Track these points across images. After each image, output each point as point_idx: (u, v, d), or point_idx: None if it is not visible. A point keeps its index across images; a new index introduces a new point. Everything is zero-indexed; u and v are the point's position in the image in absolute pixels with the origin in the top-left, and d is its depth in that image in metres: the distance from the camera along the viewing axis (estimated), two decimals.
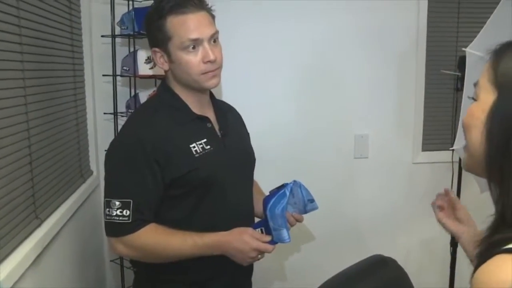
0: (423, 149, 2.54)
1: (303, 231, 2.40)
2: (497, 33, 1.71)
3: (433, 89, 2.51)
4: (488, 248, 0.73)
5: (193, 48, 1.33)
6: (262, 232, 1.40)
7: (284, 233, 1.36)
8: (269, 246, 1.37)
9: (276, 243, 1.39)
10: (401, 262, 1.51)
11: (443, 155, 2.40)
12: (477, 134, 0.76)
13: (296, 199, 1.46)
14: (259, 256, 1.39)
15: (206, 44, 1.33)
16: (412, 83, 2.47)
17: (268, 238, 1.38)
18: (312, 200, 1.47)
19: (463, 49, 1.80)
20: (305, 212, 1.49)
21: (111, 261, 2.14)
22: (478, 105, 0.77)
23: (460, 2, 2.45)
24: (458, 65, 2.24)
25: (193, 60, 1.33)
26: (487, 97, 0.75)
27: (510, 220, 0.72)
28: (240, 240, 1.34)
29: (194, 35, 1.31)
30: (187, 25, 1.31)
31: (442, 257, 2.51)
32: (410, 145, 2.52)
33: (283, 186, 1.41)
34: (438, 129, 2.55)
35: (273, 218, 1.36)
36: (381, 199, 2.52)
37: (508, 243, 0.70)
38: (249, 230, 1.38)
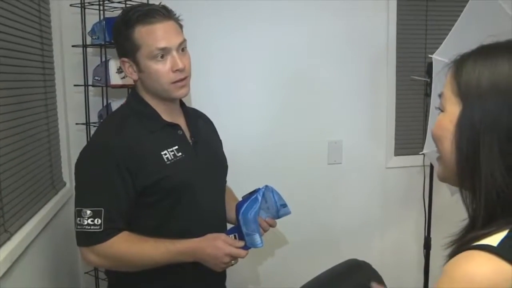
0: (396, 154, 2.59)
1: (278, 236, 2.41)
2: (462, 39, 1.76)
3: (404, 95, 2.57)
4: (459, 247, 0.75)
5: (162, 57, 1.33)
6: (235, 238, 1.40)
7: (257, 237, 1.38)
8: (242, 251, 1.38)
9: (249, 248, 1.40)
10: (375, 266, 1.52)
11: (415, 159, 2.45)
12: (448, 145, 0.78)
13: (269, 204, 1.47)
14: (233, 261, 1.40)
15: (174, 53, 1.34)
16: (383, 89, 2.51)
17: (241, 243, 1.39)
18: (284, 205, 1.48)
19: (429, 55, 1.85)
20: (278, 217, 1.50)
21: (85, 273, 2.11)
22: (445, 116, 0.79)
23: (428, 10, 2.51)
24: (426, 71, 2.30)
25: (162, 69, 1.34)
26: (453, 108, 0.77)
27: (481, 225, 0.75)
28: (213, 246, 1.35)
29: (162, 44, 1.32)
30: (155, 35, 1.32)
31: (416, 259, 2.56)
32: (383, 150, 2.56)
33: (255, 191, 1.42)
34: (410, 134, 2.60)
35: (246, 223, 1.37)
36: (355, 204, 2.55)
37: (477, 241, 0.72)
38: (222, 236, 1.39)
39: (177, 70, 1.34)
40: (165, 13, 1.35)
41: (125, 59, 1.38)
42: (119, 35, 1.36)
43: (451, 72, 0.79)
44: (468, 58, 0.78)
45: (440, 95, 0.81)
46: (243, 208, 1.39)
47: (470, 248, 0.71)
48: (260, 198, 1.41)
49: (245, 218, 1.38)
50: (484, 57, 0.75)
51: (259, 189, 1.43)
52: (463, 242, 0.75)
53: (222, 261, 1.36)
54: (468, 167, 0.75)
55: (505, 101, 0.72)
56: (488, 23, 1.78)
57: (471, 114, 0.74)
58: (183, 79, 1.37)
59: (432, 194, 2.34)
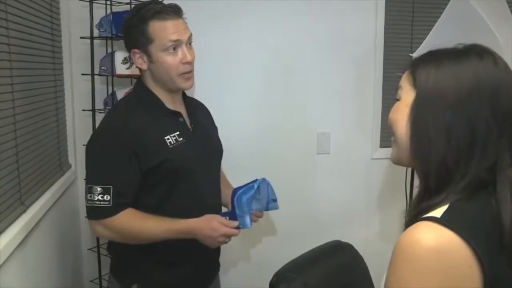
0: (381, 146, 2.73)
1: (268, 221, 2.56)
2: (439, 39, 1.92)
3: (390, 90, 2.69)
4: (410, 219, 0.90)
5: (173, 49, 1.49)
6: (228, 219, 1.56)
7: (247, 219, 1.54)
8: (235, 231, 1.54)
9: (240, 228, 1.56)
10: (360, 250, 1.66)
11: None
12: (403, 125, 0.93)
13: (262, 195, 1.62)
14: (227, 239, 1.55)
15: (184, 47, 1.50)
16: (371, 84, 2.67)
17: (235, 223, 1.54)
18: (275, 200, 1.64)
19: (410, 54, 2.00)
20: (267, 209, 1.65)
21: (88, 249, 2.27)
22: (401, 102, 0.94)
23: (414, 11, 2.66)
24: None
25: (173, 60, 1.49)
26: (409, 95, 0.93)
27: (428, 196, 0.89)
28: (210, 227, 1.50)
29: (174, 37, 1.48)
30: (169, 29, 1.48)
31: None
32: (369, 142, 2.72)
33: (253, 181, 1.59)
34: None
35: (239, 206, 1.54)
36: (342, 192, 2.70)
37: (429, 211, 0.86)
38: (217, 217, 1.54)
39: (186, 62, 1.50)
40: (176, 11, 1.50)
41: (136, 50, 1.52)
42: (132, 29, 1.50)
43: (409, 69, 0.95)
44: (421, 59, 0.95)
45: (397, 88, 0.97)
46: (238, 193, 1.56)
47: (418, 220, 0.86)
48: (256, 187, 1.57)
49: (240, 201, 1.54)
50: (432, 59, 0.93)
51: (257, 179, 1.60)
52: (415, 214, 0.89)
53: (217, 240, 1.52)
54: (420, 145, 0.90)
55: (446, 94, 0.88)
56: (463, 25, 1.94)
57: (423, 99, 0.90)
58: (189, 72, 1.53)
59: (413, 184, 2.48)
